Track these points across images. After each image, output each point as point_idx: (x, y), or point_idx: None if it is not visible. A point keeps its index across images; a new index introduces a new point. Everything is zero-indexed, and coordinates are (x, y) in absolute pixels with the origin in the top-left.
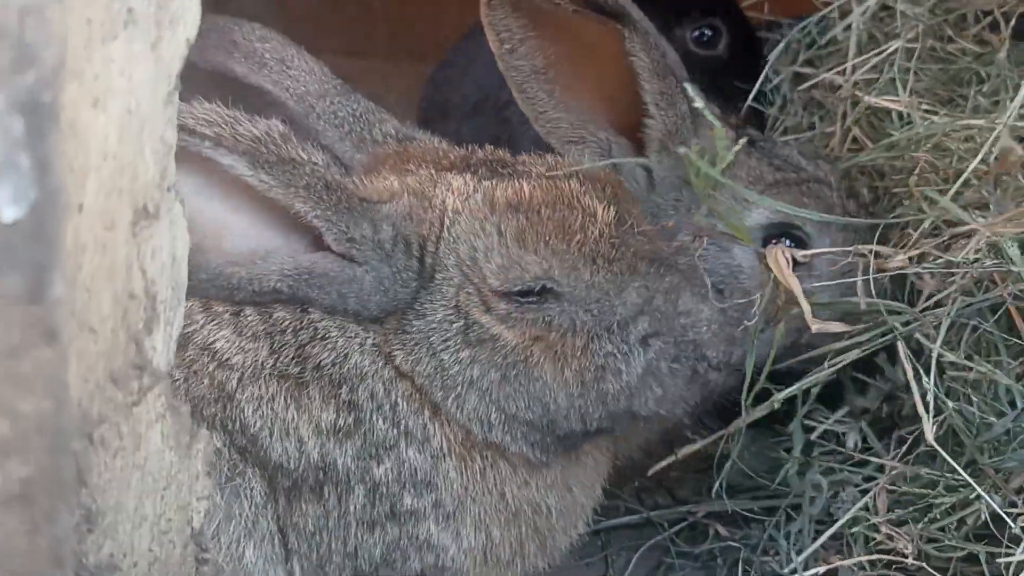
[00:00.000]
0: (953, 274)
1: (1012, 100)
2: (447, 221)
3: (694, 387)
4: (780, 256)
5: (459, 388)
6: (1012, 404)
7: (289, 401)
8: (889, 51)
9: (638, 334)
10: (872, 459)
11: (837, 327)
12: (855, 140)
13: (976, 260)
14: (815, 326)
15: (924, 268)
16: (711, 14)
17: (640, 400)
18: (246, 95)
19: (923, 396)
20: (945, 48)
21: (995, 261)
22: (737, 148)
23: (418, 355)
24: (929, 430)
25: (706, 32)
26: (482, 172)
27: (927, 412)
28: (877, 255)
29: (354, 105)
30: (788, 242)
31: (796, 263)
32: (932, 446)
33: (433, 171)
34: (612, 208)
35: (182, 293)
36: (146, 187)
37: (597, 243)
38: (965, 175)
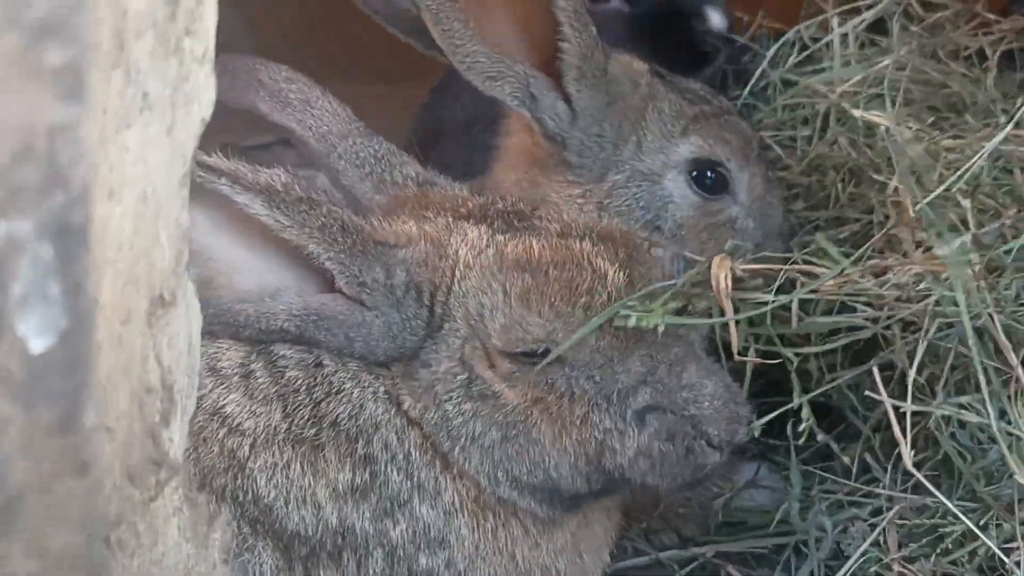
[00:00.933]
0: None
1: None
2: (458, 274)
3: (687, 466)
4: (721, 277)
5: (463, 440)
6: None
7: (306, 467)
8: (880, 65)
9: (637, 407)
10: (878, 491)
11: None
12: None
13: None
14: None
15: (850, 296)
16: None
17: (633, 472)
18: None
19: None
20: (934, 71)
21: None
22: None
23: (425, 402)
24: (907, 456)
25: None
26: (498, 225)
27: (904, 437)
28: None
29: (376, 146)
30: (709, 173)
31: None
32: (913, 474)
33: (451, 219)
34: (623, 271)
35: (196, 378)
36: (162, 274)
37: (604, 307)
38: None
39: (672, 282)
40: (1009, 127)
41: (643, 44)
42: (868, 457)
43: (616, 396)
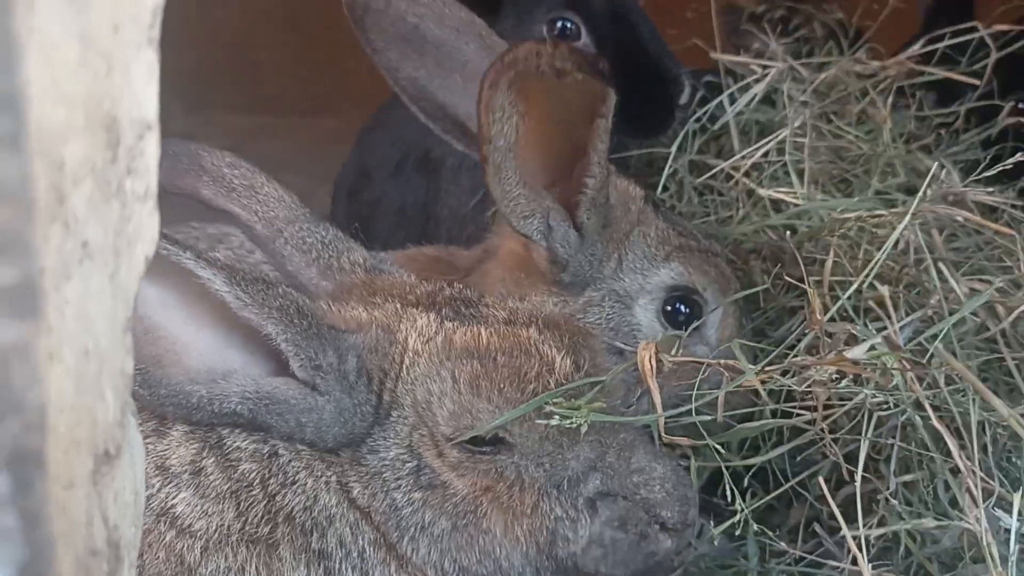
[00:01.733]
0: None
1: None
2: (407, 360)
3: (639, 554)
4: (646, 360)
5: (412, 530)
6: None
7: (260, 569)
8: (778, 138)
9: (588, 494)
10: (829, 562)
11: (684, 441)
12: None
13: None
14: (666, 439)
15: (768, 385)
16: (565, 7)
17: (585, 561)
18: None
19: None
20: (832, 130)
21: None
22: None
23: (374, 489)
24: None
25: (567, 24)
26: (446, 312)
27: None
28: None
29: (323, 232)
30: (682, 307)
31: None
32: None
33: (399, 306)
34: (570, 358)
35: (142, 519)
36: (106, 429)
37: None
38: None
39: (600, 378)
40: (911, 210)
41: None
42: (817, 528)
43: (567, 483)
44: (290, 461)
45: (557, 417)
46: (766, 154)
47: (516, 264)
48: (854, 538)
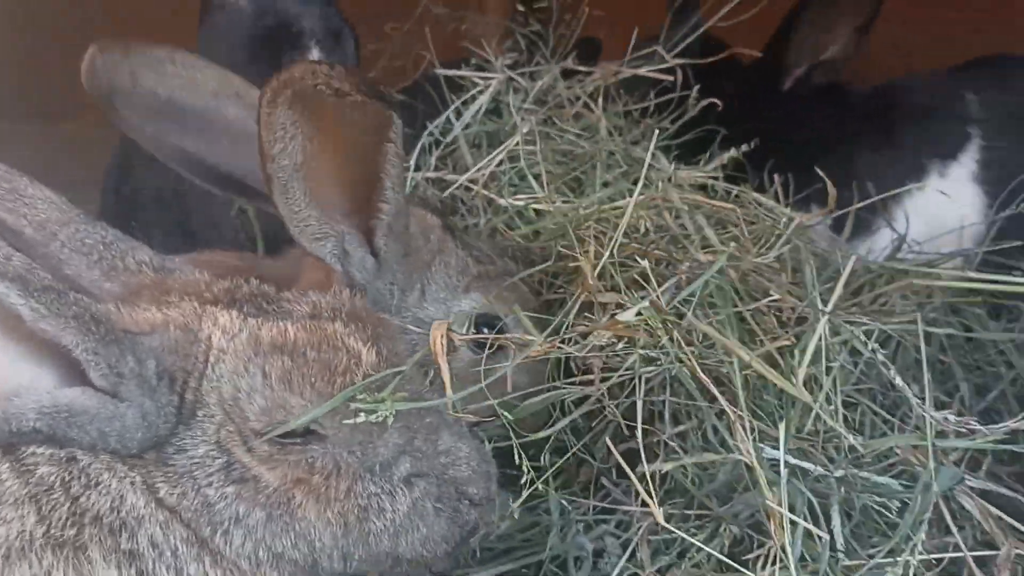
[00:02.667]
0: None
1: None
2: (212, 359)
3: (456, 527)
4: (437, 340)
5: (226, 524)
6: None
7: (69, 573)
8: (510, 146)
9: (401, 474)
10: (623, 507)
11: (469, 418)
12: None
13: (608, 345)
14: (452, 414)
15: (553, 354)
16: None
17: (405, 541)
18: None
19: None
20: (556, 133)
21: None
22: None
23: (183, 488)
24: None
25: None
26: (248, 309)
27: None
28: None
29: (102, 232)
30: (488, 332)
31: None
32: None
33: (197, 304)
34: (374, 349)
35: None
36: None
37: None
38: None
39: (401, 368)
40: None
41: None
42: (605, 480)
43: (379, 467)
44: (91, 464)
45: (363, 413)
46: (500, 163)
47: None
48: (640, 480)
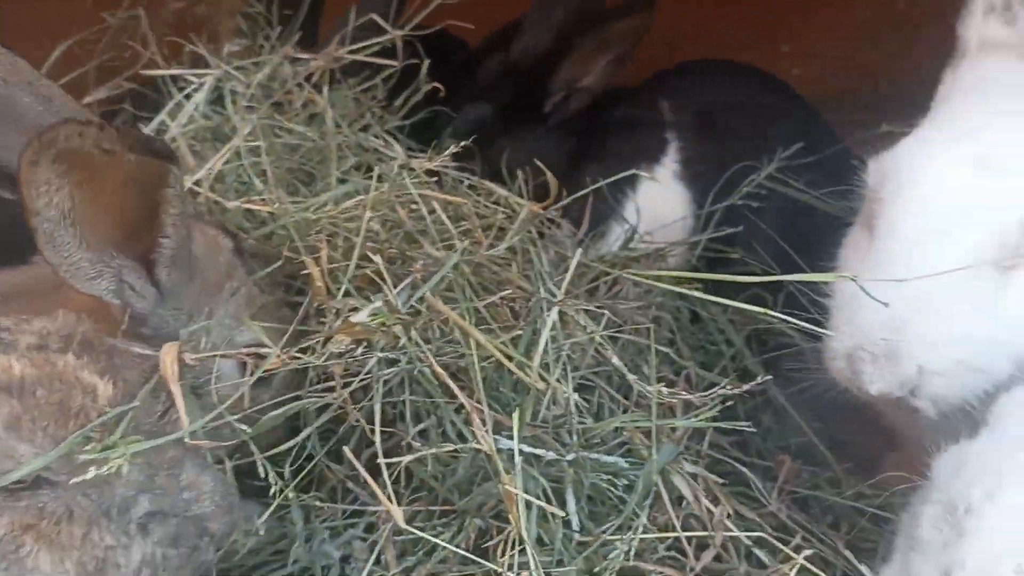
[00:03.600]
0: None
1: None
2: None
3: (190, 566)
4: (168, 363)
5: None
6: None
7: None
8: (232, 148)
9: (139, 516)
10: (368, 508)
11: (207, 444)
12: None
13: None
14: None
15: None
16: None
17: None
18: None
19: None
20: (282, 126)
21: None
22: None
23: None
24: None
25: None
26: None
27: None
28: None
29: None
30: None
31: None
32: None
33: None
34: (111, 382)
35: None
36: None
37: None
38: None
39: (133, 405)
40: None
41: None
42: (352, 485)
43: (116, 510)
44: None
45: (93, 468)
46: (228, 162)
47: (89, 311)
48: (378, 481)
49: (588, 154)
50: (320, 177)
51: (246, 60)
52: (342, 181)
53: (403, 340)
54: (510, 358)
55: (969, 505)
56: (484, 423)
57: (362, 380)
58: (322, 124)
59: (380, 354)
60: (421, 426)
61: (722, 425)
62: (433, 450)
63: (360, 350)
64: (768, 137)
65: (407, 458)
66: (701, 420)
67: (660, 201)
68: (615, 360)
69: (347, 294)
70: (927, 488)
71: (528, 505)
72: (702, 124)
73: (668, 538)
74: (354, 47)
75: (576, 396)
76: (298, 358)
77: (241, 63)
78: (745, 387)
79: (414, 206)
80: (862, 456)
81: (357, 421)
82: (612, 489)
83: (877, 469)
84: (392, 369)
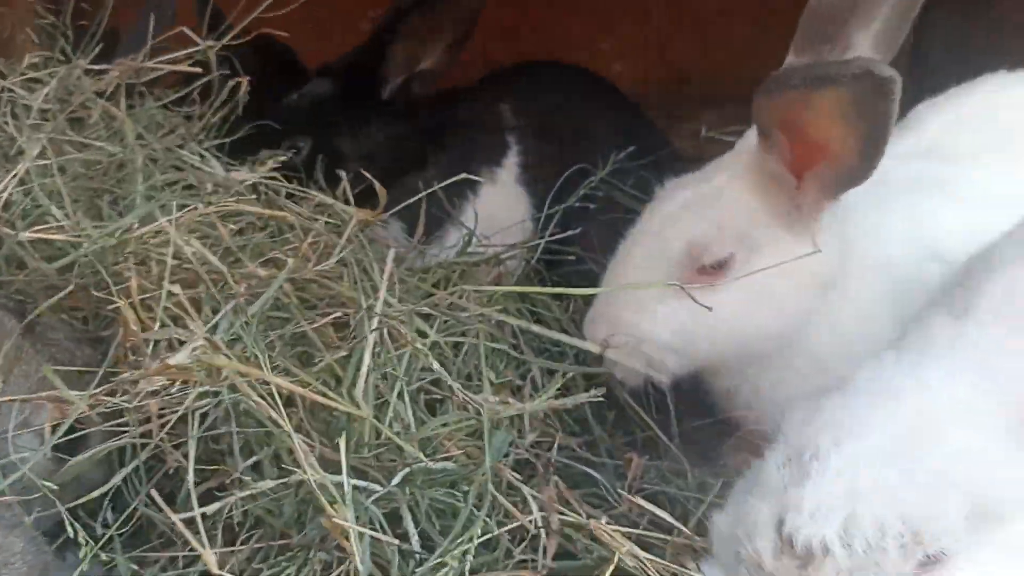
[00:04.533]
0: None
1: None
2: None
3: None
4: None
5: None
6: None
7: None
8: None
9: None
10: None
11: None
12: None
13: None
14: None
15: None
16: None
17: None
18: None
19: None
20: (79, 143)
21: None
22: None
23: None
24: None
25: None
26: None
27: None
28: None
29: None
30: None
31: None
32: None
33: None
34: None
35: None
36: None
37: None
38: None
39: None
40: None
41: None
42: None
43: None
44: None
45: None
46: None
47: None
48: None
49: (428, 154)
50: (125, 196)
51: (41, 72)
52: (149, 198)
53: (225, 372)
54: (329, 389)
55: (817, 450)
56: (306, 455)
57: (180, 415)
58: (123, 138)
59: (199, 389)
60: (255, 459)
61: (557, 404)
62: (259, 485)
63: (176, 387)
64: (599, 140)
65: (231, 498)
66: (540, 403)
67: (501, 204)
68: (435, 365)
69: (163, 325)
70: (774, 442)
71: (360, 536)
72: (541, 127)
73: (521, 541)
74: (162, 59)
75: (409, 412)
76: (108, 400)
77: (35, 74)
78: (584, 368)
79: (234, 224)
80: (707, 444)
81: (177, 460)
82: (456, 500)
83: (719, 456)
84: (205, 401)
